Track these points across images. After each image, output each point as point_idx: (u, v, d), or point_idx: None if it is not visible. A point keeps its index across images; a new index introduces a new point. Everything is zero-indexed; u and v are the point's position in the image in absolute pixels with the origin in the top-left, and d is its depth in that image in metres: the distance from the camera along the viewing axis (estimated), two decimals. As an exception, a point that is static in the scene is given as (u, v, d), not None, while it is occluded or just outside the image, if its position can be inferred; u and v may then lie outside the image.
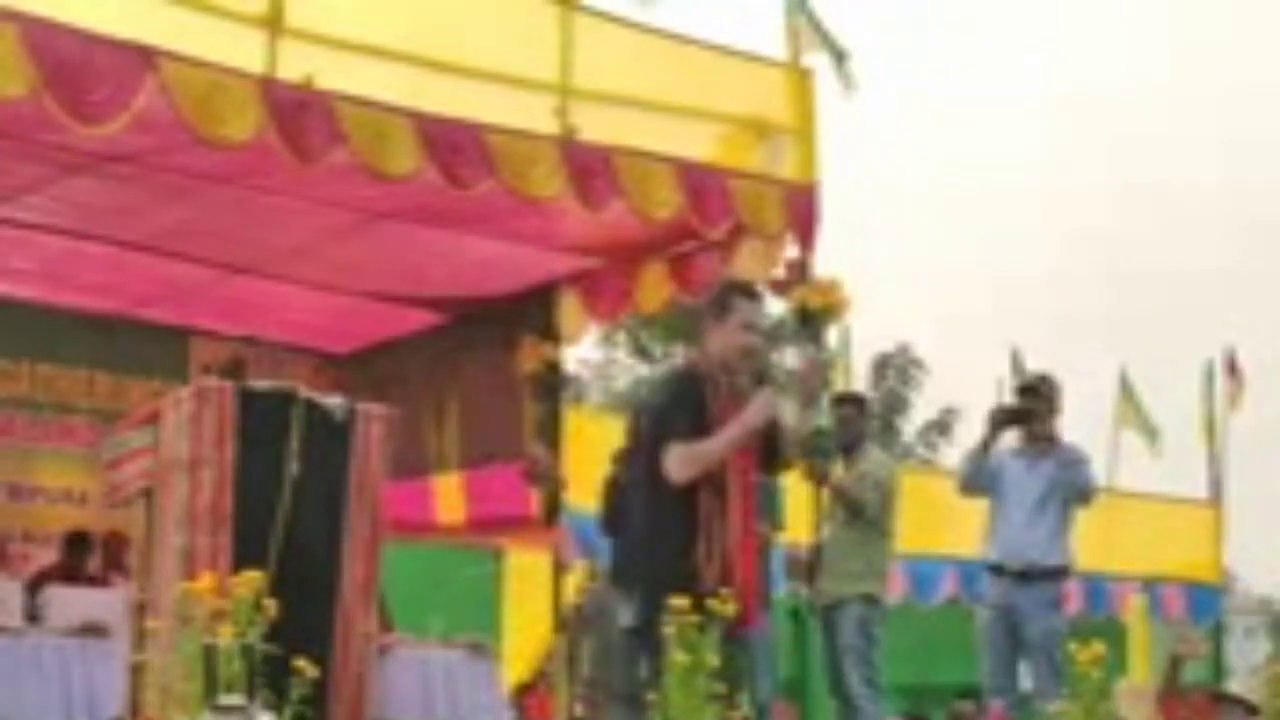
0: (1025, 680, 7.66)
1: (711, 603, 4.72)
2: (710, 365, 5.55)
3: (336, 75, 6.72)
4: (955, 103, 62.34)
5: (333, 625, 5.33)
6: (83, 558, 9.29)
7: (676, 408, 5.45)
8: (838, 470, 8.10)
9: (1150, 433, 16.42)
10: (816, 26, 8.37)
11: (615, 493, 7.94)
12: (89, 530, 9.42)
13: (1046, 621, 7.47)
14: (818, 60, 8.44)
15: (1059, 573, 7.60)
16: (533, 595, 9.97)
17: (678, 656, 4.62)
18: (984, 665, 7.71)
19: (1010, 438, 7.81)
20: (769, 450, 5.64)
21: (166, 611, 4.93)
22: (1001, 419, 7.70)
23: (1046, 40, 68.49)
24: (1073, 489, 7.62)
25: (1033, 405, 7.67)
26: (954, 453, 27.50)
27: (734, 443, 5.39)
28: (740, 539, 5.42)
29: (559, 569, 9.12)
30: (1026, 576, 7.50)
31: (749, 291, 5.72)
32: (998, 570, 7.63)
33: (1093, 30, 67.81)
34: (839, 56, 8.31)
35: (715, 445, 5.35)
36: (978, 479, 7.75)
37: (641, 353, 30.74)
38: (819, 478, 7.95)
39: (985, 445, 7.71)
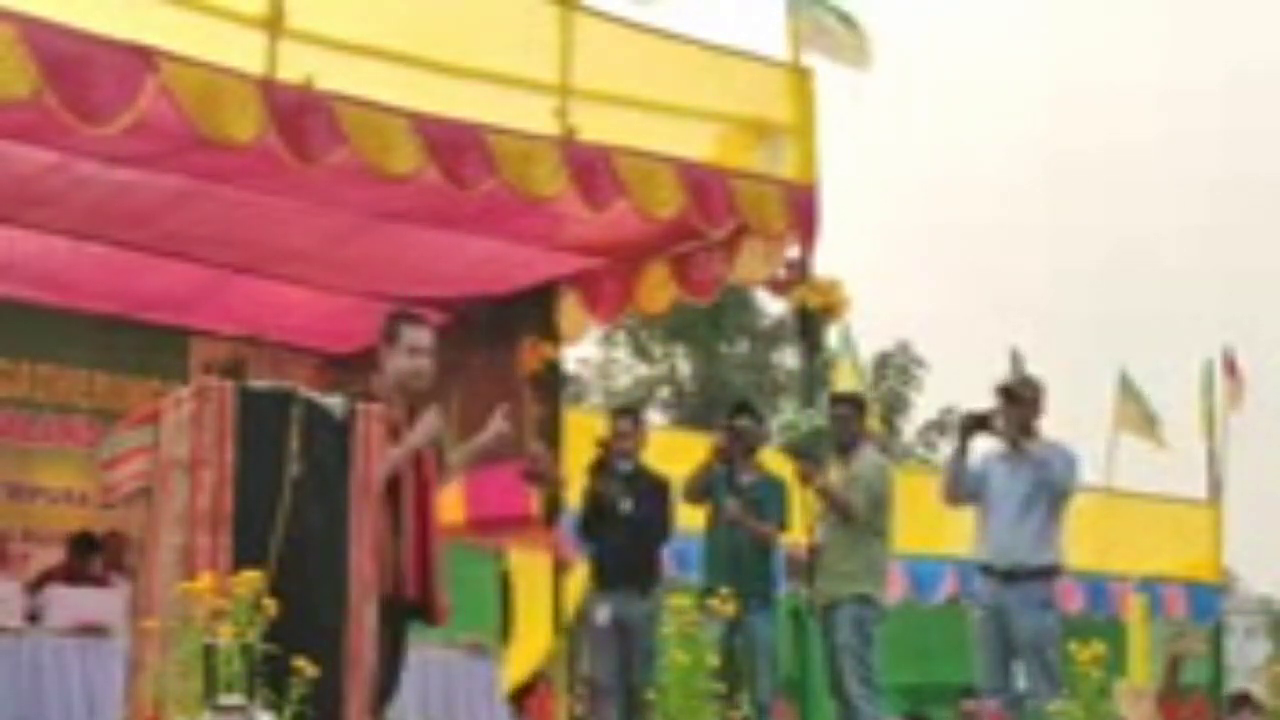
0: (1021, 680, 7.65)
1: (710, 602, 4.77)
2: (386, 388, 5.99)
3: (336, 76, 6.73)
4: (955, 93, 62.33)
5: (341, 624, 5.33)
6: (88, 559, 9.29)
7: None
8: (832, 471, 8.11)
9: (1147, 424, 16.17)
10: (834, 14, 8.37)
11: (593, 499, 8.20)
12: (95, 531, 9.42)
13: (1036, 621, 7.44)
14: (818, 60, 8.47)
15: (1048, 572, 7.57)
16: (533, 595, 9.97)
17: (677, 656, 4.64)
18: (978, 665, 7.71)
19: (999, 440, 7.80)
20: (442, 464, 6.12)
21: (165, 611, 4.94)
22: (968, 425, 7.69)
23: (1044, 30, 68.43)
24: (1050, 487, 7.59)
25: (1003, 408, 7.60)
26: (954, 453, 27.33)
27: (397, 459, 5.79)
28: (415, 547, 5.90)
29: (559, 569, 9.14)
30: (1014, 576, 7.48)
31: (413, 319, 6.21)
32: (987, 570, 7.63)
33: (1091, 22, 67.65)
34: (856, 41, 8.34)
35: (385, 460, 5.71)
36: (957, 487, 7.74)
37: (641, 353, 30.72)
38: (805, 479, 7.97)
39: (959, 453, 7.73)
